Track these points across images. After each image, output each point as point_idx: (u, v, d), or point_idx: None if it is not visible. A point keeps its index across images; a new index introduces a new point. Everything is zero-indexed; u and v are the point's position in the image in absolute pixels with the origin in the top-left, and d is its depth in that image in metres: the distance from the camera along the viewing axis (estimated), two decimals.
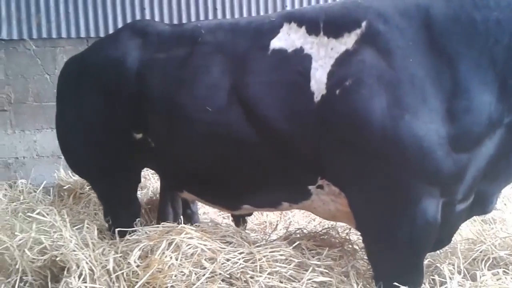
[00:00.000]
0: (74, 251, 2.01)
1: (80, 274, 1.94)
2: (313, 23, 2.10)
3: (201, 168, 2.27)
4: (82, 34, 4.40)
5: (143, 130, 2.35)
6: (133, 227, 2.41)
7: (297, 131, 2.03)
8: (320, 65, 2.01)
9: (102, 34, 4.38)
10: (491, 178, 2.03)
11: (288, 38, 2.12)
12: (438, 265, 2.37)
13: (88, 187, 3.87)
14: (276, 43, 2.13)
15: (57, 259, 1.99)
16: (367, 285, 2.15)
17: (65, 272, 1.96)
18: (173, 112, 2.20)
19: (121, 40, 2.38)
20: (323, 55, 2.02)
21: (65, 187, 4.02)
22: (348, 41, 1.99)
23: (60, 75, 2.65)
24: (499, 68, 1.84)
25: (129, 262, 2.01)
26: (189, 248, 2.08)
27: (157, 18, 4.47)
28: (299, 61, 2.05)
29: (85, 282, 1.93)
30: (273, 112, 2.05)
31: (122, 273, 1.99)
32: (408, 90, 1.86)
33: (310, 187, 2.15)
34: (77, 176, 4.21)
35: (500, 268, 2.29)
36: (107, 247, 2.14)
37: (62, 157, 4.34)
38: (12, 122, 4.42)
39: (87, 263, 1.97)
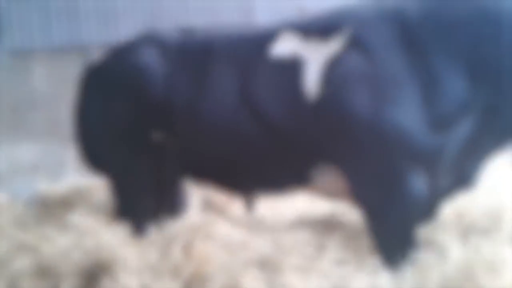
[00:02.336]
0: (116, 248, 2.12)
1: (126, 269, 2.07)
2: (306, 30, 2.41)
3: (219, 160, 2.56)
4: None
5: (164, 130, 2.58)
6: (147, 221, 2.60)
7: (295, 127, 2.37)
8: (312, 68, 2.31)
9: None
10: (470, 156, 2.37)
11: (286, 45, 2.40)
12: (432, 236, 2.66)
13: (74, 196, 3.90)
14: (275, 49, 2.43)
15: (100, 257, 2.09)
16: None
17: (110, 269, 2.06)
18: (196, 115, 2.44)
19: (141, 50, 2.56)
20: (314, 58, 2.32)
21: (49, 198, 4.00)
22: (335, 45, 2.32)
23: (81, 82, 2.80)
24: (468, 58, 2.18)
25: (170, 254, 2.16)
26: (224, 237, 2.26)
27: None
28: (295, 65, 2.37)
29: (131, 276, 2.05)
30: (274, 111, 2.37)
31: (166, 266, 2.13)
32: (386, 84, 2.21)
33: (313, 172, 2.46)
34: (59, 186, 4.21)
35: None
36: (145, 242, 2.27)
37: (41, 169, 4.36)
38: None
39: (130, 259, 2.09)
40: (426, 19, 2.25)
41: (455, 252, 2.37)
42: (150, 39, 2.62)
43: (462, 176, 2.46)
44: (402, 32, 2.25)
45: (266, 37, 2.49)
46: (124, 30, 4.34)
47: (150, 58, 2.54)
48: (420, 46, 2.22)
